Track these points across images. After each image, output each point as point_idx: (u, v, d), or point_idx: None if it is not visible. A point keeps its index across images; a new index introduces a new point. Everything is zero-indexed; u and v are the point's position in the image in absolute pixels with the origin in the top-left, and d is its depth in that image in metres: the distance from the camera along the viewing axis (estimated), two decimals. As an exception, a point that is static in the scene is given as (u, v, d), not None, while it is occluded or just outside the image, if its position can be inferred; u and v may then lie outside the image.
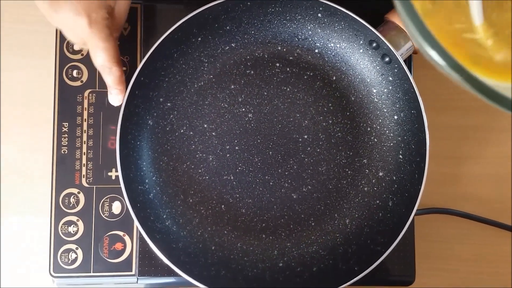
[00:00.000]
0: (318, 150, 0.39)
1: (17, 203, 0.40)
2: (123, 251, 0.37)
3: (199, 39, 0.38)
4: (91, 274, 0.37)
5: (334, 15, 0.37)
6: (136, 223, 0.35)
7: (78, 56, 0.38)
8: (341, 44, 0.39)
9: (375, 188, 0.39)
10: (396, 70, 0.37)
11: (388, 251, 0.35)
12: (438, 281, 0.42)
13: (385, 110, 0.39)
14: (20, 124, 0.41)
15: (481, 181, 0.44)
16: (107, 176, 0.38)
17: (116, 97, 0.36)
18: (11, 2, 0.41)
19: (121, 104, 0.35)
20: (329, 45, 0.39)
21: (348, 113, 0.39)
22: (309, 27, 0.39)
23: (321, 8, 0.37)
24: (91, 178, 0.37)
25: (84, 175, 0.37)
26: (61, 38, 0.38)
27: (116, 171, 0.36)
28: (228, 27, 0.38)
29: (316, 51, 0.40)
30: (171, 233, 0.37)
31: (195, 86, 0.39)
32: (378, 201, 0.38)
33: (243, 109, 0.39)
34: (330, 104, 0.39)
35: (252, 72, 0.39)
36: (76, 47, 0.38)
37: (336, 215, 0.39)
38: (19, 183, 0.40)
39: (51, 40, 0.38)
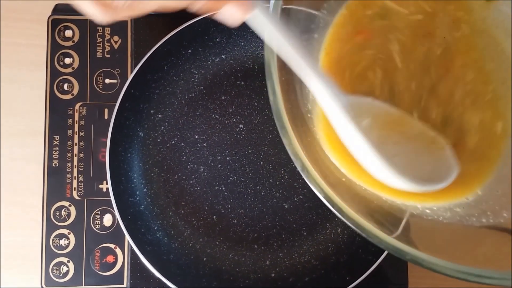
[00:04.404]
0: (309, 159, 0.39)
1: (8, 216, 0.40)
2: (114, 263, 0.37)
3: (189, 51, 0.38)
4: (83, 287, 0.37)
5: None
6: (127, 235, 0.35)
7: (69, 70, 0.38)
8: (330, 54, 0.39)
9: (366, 197, 0.39)
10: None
11: (379, 260, 0.35)
12: (431, 286, 0.42)
13: (374, 119, 0.39)
14: (11, 137, 0.41)
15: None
16: (98, 189, 0.38)
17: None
18: (2, 15, 0.41)
19: (112, 115, 0.35)
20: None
21: (338, 123, 0.39)
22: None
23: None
24: (82, 191, 0.37)
25: (75, 188, 0.37)
26: (52, 52, 0.38)
27: (107, 183, 0.36)
28: (218, 39, 0.39)
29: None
30: (162, 245, 0.37)
31: (186, 97, 0.39)
32: (369, 210, 0.38)
33: (234, 120, 0.39)
34: (320, 114, 0.40)
35: (243, 83, 0.40)
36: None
37: (328, 224, 0.39)
38: (9, 196, 0.40)
39: (42, 53, 0.39)
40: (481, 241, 0.25)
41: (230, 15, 0.22)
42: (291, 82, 0.26)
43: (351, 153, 0.25)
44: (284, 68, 0.24)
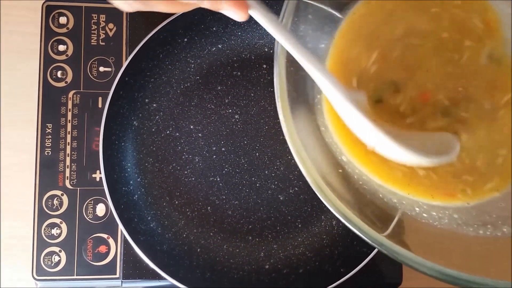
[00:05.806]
0: (305, 151, 0.39)
1: None
2: (107, 254, 0.37)
3: (185, 39, 0.38)
4: (75, 277, 0.36)
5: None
6: (120, 225, 0.34)
7: (63, 57, 0.38)
8: (328, 46, 0.39)
9: (362, 189, 0.39)
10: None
11: (374, 253, 0.35)
12: (425, 282, 0.42)
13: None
14: (3, 125, 0.40)
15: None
16: (91, 178, 0.37)
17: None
18: (-4, 2, 0.41)
19: (106, 103, 0.35)
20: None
21: (335, 115, 0.39)
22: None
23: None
24: (75, 180, 0.37)
25: (67, 176, 0.37)
26: (45, 38, 0.38)
27: (100, 172, 0.35)
28: (214, 28, 0.38)
29: (305, 52, 0.40)
30: (156, 235, 0.36)
31: (181, 87, 0.39)
32: (364, 203, 0.38)
33: (230, 110, 0.39)
34: (317, 106, 0.39)
35: (239, 73, 0.39)
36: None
37: (322, 216, 0.38)
38: (1, 185, 0.40)
39: (35, 40, 0.38)
40: (474, 247, 0.25)
41: (231, 15, 0.22)
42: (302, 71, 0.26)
43: (360, 139, 0.25)
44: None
